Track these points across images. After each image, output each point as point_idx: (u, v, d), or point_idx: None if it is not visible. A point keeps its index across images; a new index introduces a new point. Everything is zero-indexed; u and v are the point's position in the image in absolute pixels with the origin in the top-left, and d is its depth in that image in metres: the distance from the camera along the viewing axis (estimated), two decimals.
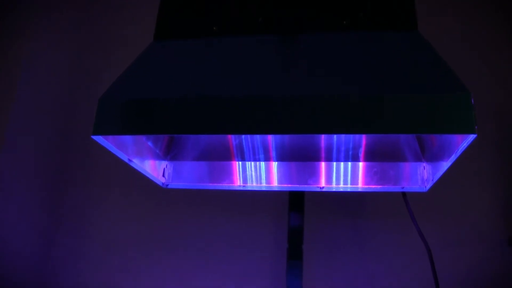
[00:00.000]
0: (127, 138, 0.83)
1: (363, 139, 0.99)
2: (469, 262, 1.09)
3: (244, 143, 1.02)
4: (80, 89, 1.32)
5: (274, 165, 1.03)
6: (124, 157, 0.81)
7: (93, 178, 1.25)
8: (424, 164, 0.96)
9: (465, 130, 0.62)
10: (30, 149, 1.16)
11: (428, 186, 0.93)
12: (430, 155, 0.92)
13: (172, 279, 1.15)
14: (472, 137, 0.63)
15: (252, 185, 1.02)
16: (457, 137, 0.71)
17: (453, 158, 0.73)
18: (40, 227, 1.19)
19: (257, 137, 1.01)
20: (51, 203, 1.23)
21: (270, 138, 1.01)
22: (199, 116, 0.67)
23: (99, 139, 0.72)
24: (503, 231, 1.09)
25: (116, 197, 1.23)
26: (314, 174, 1.01)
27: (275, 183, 1.02)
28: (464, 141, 0.66)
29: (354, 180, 1.00)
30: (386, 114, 0.64)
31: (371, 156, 0.99)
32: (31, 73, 1.16)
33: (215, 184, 1.03)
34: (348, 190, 1.00)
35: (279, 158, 1.03)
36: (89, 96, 1.28)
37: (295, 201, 1.07)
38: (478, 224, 1.11)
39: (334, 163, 1.01)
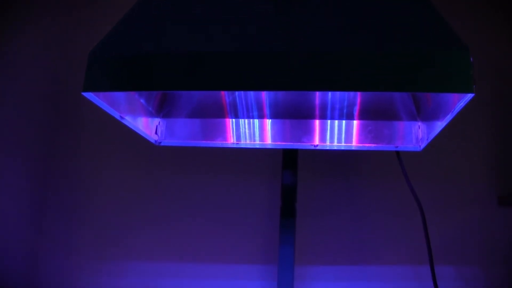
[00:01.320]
0: (119, 95, 0.81)
1: (358, 97, 0.98)
2: (460, 222, 1.10)
3: (237, 100, 1.00)
4: (74, 43, 1.29)
5: (268, 122, 1.02)
6: (116, 114, 0.80)
7: (84, 135, 1.24)
8: (419, 123, 0.95)
9: (463, 89, 0.61)
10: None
11: (423, 145, 0.92)
12: (425, 115, 0.91)
13: (165, 240, 1.16)
14: (469, 96, 0.63)
15: (246, 142, 1.01)
16: (453, 96, 0.70)
17: (449, 117, 0.73)
18: (29, 194, 1.19)
19: (251, 94, 0.99)
20: (40, 168, 1.22)
21: (264, 95, 1.00)
22: (192, 72, 0.66)
23: (89, 96, 0.70)
24: (494, 191, 1.11)
25: (108, 155, 1.22)
26: (308, 132, 1.01)
27: (268, 141, 1.01)
28: (461, 100, 0.66)
29: (348, 138, 1.00)
30: (382, 71, 0.62)
31: (366, 114, 0.99)
32: None
33: (208, 142, 1.02)
34: (342, 148, 1.00)
35: (273, 116, 1.02)
36: (82, 51, 1.25)
37: (289, 159, 1.07)
38: (470, 184, 1.12)
39: (329, 121, 1.01)
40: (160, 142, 1.02)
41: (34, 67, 1.24)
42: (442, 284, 1.02)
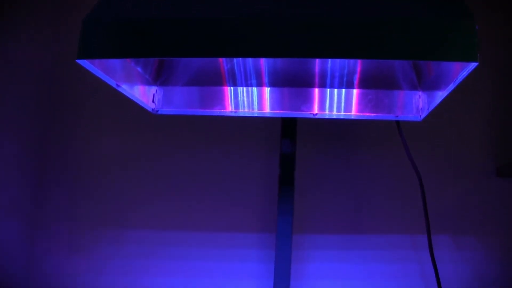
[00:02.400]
0: (115, 63, 0.79)
1: (359, 65, 0.96)
2: (458, 192, 1.11)
3: (236, 68, 0.99)
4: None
5: (267, 90, 1.01)
6: (112, 82, 0.78)
7: (80, 106, 1.22)
8: (420, 93, 0.94)
9: (467, 57, 0.60)
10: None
11: (423, 115, 0.92)
12: (426, 84, 0.90)
13: (163, 209, 1.16)
14: (473, 65, 0.61)
15: (244, 111, 1.00)
16: (456, 65, 0.69)
17: (450, 87, 0.72)
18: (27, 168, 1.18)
19: (249, 61, 0.98)
20: (37, 137, 1.21)
21: (263, 63, 0.98)
22: (190, 38, 0.64)
23: (84, 63, 0.69)
24: (492, 162, 1.10)
25: (105, 124, 1.21)
26: (307, 101, 1.00)
27: (267, 109, 1.00)
28: (464, 69, 0.64)
29: (348, 107, 0.99)
30: (384, 39, 0.61)
31: (366, 83, 0.97)
32: None
33: (206, 110, 1.01)
34: (341, 117, 0.99)
35: (272, 84, 1.00)
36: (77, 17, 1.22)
37: (288, 128, 1.06)
38: (468, 154, 1.11)
39: (328, 89, 1.00)
40: (157, 111, 1.00)
41: (28, 33, 1.22)
42: (438, 253, 1.02)
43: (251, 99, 1.01)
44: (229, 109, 1.01)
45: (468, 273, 1.08)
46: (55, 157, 1.20)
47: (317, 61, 0.96)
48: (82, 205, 1.18)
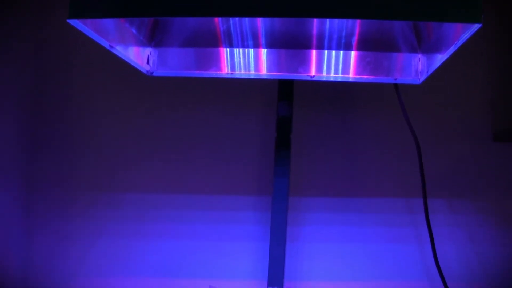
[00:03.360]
0: (108, 23, 0.77)
1: (357, 26, 0.94)
2: (454, 156, 1.11)
3: (232, 29, 0.97)
4: None
5: (263, 52, 0.99)
6: (105, 43, 0.76)
7: (73, 67, 1.20)
8: (420, 55, 0.92)
9: (470, 19, 0.58)
10: None
11: (422, 78, 0.90)
12: (426, 47, 0.88)
13: (159, 172, 1.16)
14: (476, 27, 0.60)
15: (240, 72, 0.99)
16: (457, 27, 0.67)
17: (451, 49, 0.70)
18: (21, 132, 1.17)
19: (246, 22, 0.96)
20: (31, 100, 1.19)
21: (260, 23, 0.96)
22: None
23: (75, 23, 0.67)
24: (489, 127, 1.10)
25: (98, 86, 1.19)
26: (304, 62, 0.98)
27: (264, 71, 0.99)
28: (467, 31, 0.63)
29: (346, 69, 0.97)
30: None
31: (365, 45, 0.96)
32: None
33: (202, 72, 0.99)
34: (339, 79, 0.97)
35: (269, 45, 0.99)
36: None
37: (284, 90, 1.05)
38: (466, 119, 1.11)
39: (326, 51, 0.98)
40: (152, 72, 0.99)
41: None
42: (433, 217, 1.03)
43: (247, 61, 0.99)
44: (225, 70, 0.99)
45: (462, 236, 1.09)
46: (49, 121, 1.19)
47: (315, 21, 0.94)
48: (76, 169, 1.18)
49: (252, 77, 0.99)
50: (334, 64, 0.97)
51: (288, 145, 1.04)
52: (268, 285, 1.03)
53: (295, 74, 0.98)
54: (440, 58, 0.77)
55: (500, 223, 1.09)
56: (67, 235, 1.18)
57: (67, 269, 1.18)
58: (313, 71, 0.98)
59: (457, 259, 1.09)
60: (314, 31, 0.96)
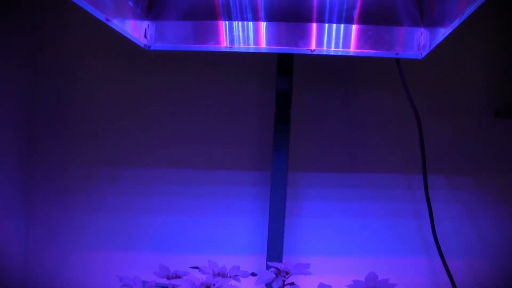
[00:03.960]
0: None
1: None
2: (455, 132, 1.10)
3: (231, 1, 0.95)
4: None
5: (263, 25, 0.97)
6: (101, 16, 0.75)
7: (69, 41, 1.18)
8: (422, 29, 0.91)
9: None
10: None
11: (424, 53, 0.89)
12: (429, 20, 0.87)
13: (158, 146, 1.15)
14: (481, 0, 0.58)
15: (239, 46, 0.97)
16: (462, 0, 0.66)
17: (455, 23, 0.69)
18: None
19: None
20: (28, 73, 1.17)
21: None
22: None
23: None
24: (491, 103, 1.09)
25: (95, 61, 1.17)
26: (304, 36, 0.96)
27: (263, 45, 0.97)
28: (472, 4, 0.61)
29: (346, 43, 0.96)
30: None
31: (366, 18, 0.94)
32: None
33: (200, 45, 0.98)
34: (340, 53, 0.96)
35: (268, 18, 0.97)
36: None
37: (284, 64, 1.03)
38: (468, 95, 1.09)
39: (326, 24, 0.96)
40: (149, 46, 0.97)
41: None
42: (432, 192, 1.02)
43: (246, 34, 0.97)
44: (224, 44, 0.97)
45: (461, 212, 1.09)
46: (47, 95, 1.17)
47: None
48: (75, 143, 1.17)
49: (251, 50, 0.98)
50: (335, 38, 0.96)
51: (288, 120, 1.04)
52: (267, 260, 1.03)
53: (295, 48, 0.96)
54: (443, 32, 0.76)
55: (499, 199, 1.09)
56: (67, 209, 1.18)
57: (66, 243, 1.18)
58: (313, 45, 0.96)
59: (455, 235, 1.09)
60: (315, 3, 0.94)
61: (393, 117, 1.11)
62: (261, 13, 0.96)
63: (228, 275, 0.87)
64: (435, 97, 1.10)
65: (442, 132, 1.10)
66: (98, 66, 1.17)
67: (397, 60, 0.95)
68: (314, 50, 0.95)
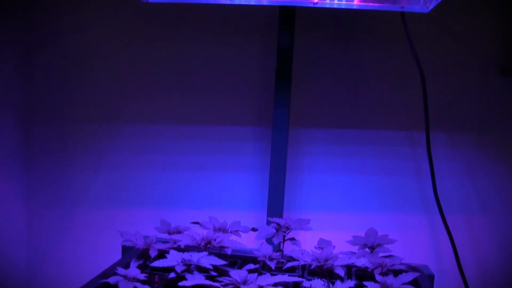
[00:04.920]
0: None
1: None
2: (459, 89, 1.08)
3: None
4: None
5: None
6: None
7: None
8: None
9: None
10: None
11: (430, 7, 0.86)
12: None
13: (159, 103, 1.14)
14: None
15: None
16: None
17: None
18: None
19: None
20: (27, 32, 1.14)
21: None
22: None
23: None
24: (497, 60, 1.07)
25: (94, 16, 1.14)
26: None
27: None
28: None
29: None
30: None
31: None
32: None
33: None
34: (343, 7, 0.93)
35: None
36: None
37: (286, 18, 1.01)
38: (473, 51, 1.07)
39: None
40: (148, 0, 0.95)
41: None
42: (433, 150, 1.02)
43: None
44: None
45: (461, 169, 1.09)
46: (45, 52, 1.15)
47: None
48: (75, 101, 1.16)
49: (252, 3, 0.95)
50: None
51: (289, 76, 1.02)
52: (268, 215, 1.04)
53: (297, 0, 0.93)
54: None
55: (499, 157, 1.08)
56: (68, 167, 1.18)
57: (68, 200, 1.19)
58: None
59: (455, 193, 1.09)
60: None
61: (397, 73, 1.09)
62: None
63: (229, 230, 0.88)
64: (440, 52, 1.07)
65: (446, 89, 1.08)
66: (97, 22, 1.14)
67: (402, 14, 0.92)
68: (316, 2, 0.92)
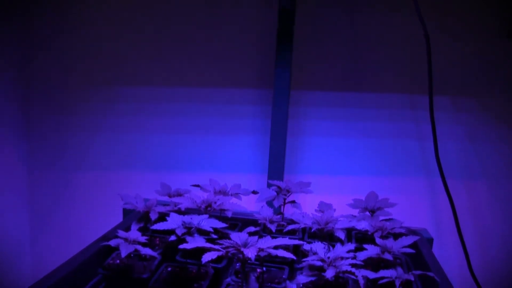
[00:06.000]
0: None
1: None
2: (465, 52, 1.06)
3: None
4: None
5: None
6: None
7: None
8: None
9: None
10: None
11: None
12: None
13: (156, 65, 1.12)
14: None
15: None
16: None
17: None
18: None
19: None
20: None
21: None
22: None
23: None
24: (505, 24, 1.04)
25: None
26: None
27: None
28: None
29: None
30: None
31: None
32: None
33: None
34: None
35: None
36: None
37: None
38: (481, 15, 1.04)
39: None
40: None
41: None
42: (436, 114, 1.00)
43: None
44: None
45: (462, 133, 1.08)
46: (44, 20, 1.13)
47: None
48: (74, 62, 1.14)
49: None
50: None
51: (291, 37, 1.00)
52: (268, 178, 1.04)
53: None
54: None
55: (502, 122, 1.07)
56: (68, 130, 1.17)
57: (69, 163, 1.19)
58: None
59: (457, 157, 1.09)
60: None
61: (400, 36, 1.06)
62: None
63: (229, 193, 0.88)
64: (446, 15, 1.05)
65: (451, 52, 1.06)
66: None
67: None
68: None
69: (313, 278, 0.64)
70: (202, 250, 0.62)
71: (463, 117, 1.08)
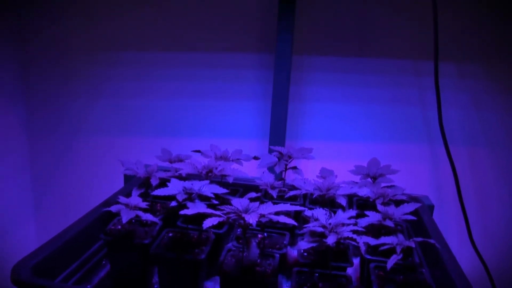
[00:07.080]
0: None
1: None
2: (471, 17, 1.02)
3: None
4: None
5: None
6: None
7: None
8: None
9: None
10: None
11: None
12: None
13: (157, 30, 1.10)
14: None
15: None
16: None
17: None
18: None
19: None
20: None
21: None
22: None
23: None
24: None
25: None
26: None
27: None
28: None
29: None
30: None
31: None
32: None
33: None
34: None
35: None
36: None
37: None
38: None
39: None
40: None
41: None
42: (441, 80, 0.98)
43: None
44: None
45: (467, 101, 1.06)
46: None
47: None
48: (72, 28, 1.12)
49: None
50: None
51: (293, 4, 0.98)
52: (270, 144, 1.03)
53: None
54: None
55: (507, 90, 1.05)
56: (67, 95, 1.16)
57: (68, 128, 1.18)
58: None
59: (460, 124, 1.07)
60: None
61: (406, 0, 1.03)
62: None
63: (231, 159, 0.88)
64: None
65: (457, 17, 1.03)
66: None
67: None
68: None
69: (314, 244, 0.64)
70: (203, 216, 0.62)
71: (469, 84, 1.06)
